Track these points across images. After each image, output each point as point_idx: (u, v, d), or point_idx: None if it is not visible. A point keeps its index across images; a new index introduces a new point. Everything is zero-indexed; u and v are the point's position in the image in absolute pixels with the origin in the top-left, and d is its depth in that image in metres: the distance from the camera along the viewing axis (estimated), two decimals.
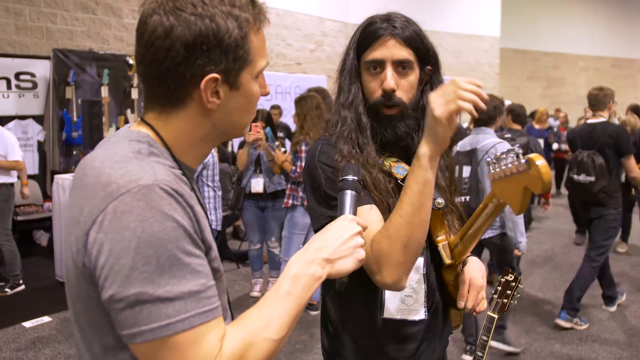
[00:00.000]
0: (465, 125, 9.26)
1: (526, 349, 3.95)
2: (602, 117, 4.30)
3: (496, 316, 1.80)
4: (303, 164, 4.11)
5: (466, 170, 3.71)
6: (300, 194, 4.29)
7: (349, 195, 1.16)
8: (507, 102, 10.04)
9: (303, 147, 4.15)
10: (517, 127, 5.21)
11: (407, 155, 1.46)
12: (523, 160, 1.03)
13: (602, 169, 4.14)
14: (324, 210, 1.37)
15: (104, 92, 6.95)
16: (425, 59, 1.41)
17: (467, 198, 3.65)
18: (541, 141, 8.32)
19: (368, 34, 1.40)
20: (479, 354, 1.79)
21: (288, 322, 0.94)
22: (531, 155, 1.04)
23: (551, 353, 3.91)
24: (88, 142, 6.77)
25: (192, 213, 0.88)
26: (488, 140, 3.69)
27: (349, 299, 1.45)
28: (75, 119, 6.68)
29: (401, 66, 1.37)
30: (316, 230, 1.41)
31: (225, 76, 0.92)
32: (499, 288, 1.80)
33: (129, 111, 7.30)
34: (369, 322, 1.44)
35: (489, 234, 3.72)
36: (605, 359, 3.83)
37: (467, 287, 1.42)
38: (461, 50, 13.56)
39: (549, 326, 4.36)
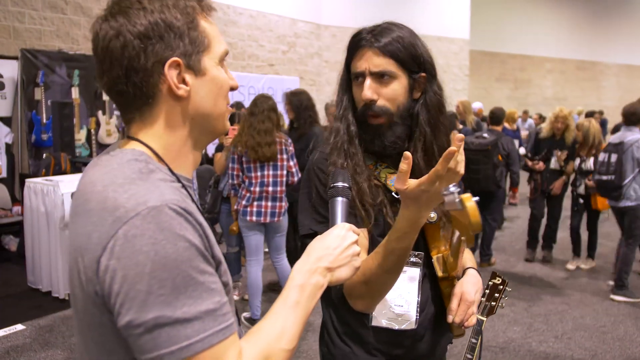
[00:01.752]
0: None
1: (504, 347, 4.02)
2: None
3: (485, 319, 1.83)
4: (232, 165, 4.16)
5: (613, 157, 5.02)
6: (244, 202, 4.19)
7: (339, 202, 1.17)
8: (477, 105, 10.15)
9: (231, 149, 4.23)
10: (498, 128, 6.10)
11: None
12: (457, 200, 1.05)
13: None
14: (309, 222, 1.42)
15: (75, 93, 6.80)
16: (413, 66, 1.41)
17: (613, 177, 4.99)
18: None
19: (352, 46, 1.44)
20: (468, 356, 1.81)
21: (298, 332, 0.96)
22: (463, 196, 1.06)
23: (529, 352, 3.99)
24: (59, 144, 6.64)
25: (202, 230, 0.88)
26: (633, 136, 4.99)
27: (340, 305, 1.47)
28: (44, 120, 6.52)
29: (381, 76, 1.38)
30: (301, 237, 1.46)
31: (186, 60, 0.94)
32: (487, 291, 1.83)
33: (100, 113, 7.15)
34: (358, 329, 1.47)
35: (626, 203, 4.96)
36: (580, 356, 3.93)
37: (457, 301, 1.43)
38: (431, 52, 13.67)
39: (525, 325, 4.45)
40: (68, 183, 4.85)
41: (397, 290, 1.37)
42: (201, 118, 0.99)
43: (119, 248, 0.81)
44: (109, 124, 7.23)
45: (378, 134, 1.41)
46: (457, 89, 14.07)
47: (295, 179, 4.25)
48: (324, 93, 11.61)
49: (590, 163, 5.66)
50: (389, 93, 1.39)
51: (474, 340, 1.83)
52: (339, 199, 1.17)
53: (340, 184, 1.19)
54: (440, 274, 1.47)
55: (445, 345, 1.61)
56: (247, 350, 0.89)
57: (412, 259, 1.44)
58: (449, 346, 1.65)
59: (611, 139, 5.25)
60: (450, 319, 1.43)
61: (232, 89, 1.03)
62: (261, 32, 10.49)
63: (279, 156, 4.16)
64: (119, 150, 0.96)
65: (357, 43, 1.41)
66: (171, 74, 0.92)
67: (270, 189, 4.15)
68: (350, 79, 1.46)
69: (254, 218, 4.13)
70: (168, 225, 0.82)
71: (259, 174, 4.13)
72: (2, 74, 6.43)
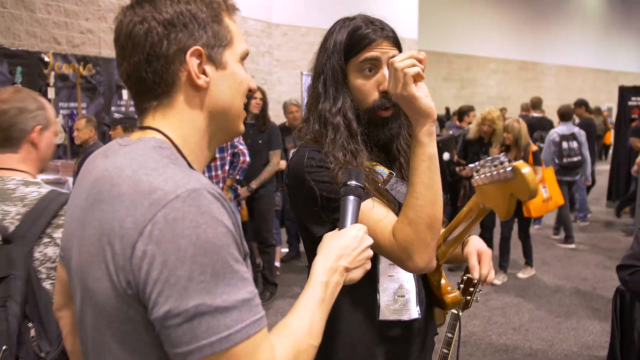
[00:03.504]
0: None
1: (465, 341, 4.10)
2: None
3: (460, 313, 1.84)
4: None
5: (573, 143, 6.42)
6: None
7: (351, 201, 1.15)
8: None
9: None
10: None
11: (386, 154, 1.46)
12: (509, 168, 1.03)
13: None
14: (321, 229, 1.33)
15: None
16: None
17: (580, 157, 6.44)
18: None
19: (359, 38, 1.39)
20: (445, 350, 1.82)
21: (322, 328, 0.96)
22: (516, 163, 1.04)
23: (489, 344, 4.07)
24: None
25: (235, 218, 0.85)
26: (575, 128, 6.62)
27: (341, 302, 1.41)
28: None
29: None
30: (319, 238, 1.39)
31: (208, 51, 0.93)
32: (462, 286, 1.83)
33: None
34: (362, 325, 1.43)
35: (578, 176, 6.53)
36: (538, 346, 4.04)
37: (475, 258, 1.45)
38: None
39: (484, 319, 4.55)
40: None
41: (397, 282, 1.36)
42: (219, 113, 0.97)
43: (158, 232, 0.77)
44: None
45: (387, 126, 1.40)
46: None
47: (247, 158, 4.29)
48: (275, 92, 11.52)
49: None
50: None
51: (450, 335, 1.83)
52: (351, 197, 1.16)
53: (353, 182, 1.17)
54: None
55: (433, 335, 1.61)
56: (278, 345, 0.87)
57: None
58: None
59: (559, 131, 6.52)
60: (475, 274, 1.44)
61: (250, 90, 1.02)
62: None
63: (224, 153, 4.20)
64: (138, 139, 0.92)
65: (366, 35, 1.38)
66: (192, 63, 0.91)
67: (223, 185, 4.22)
68: (343, 72, 1.41)
69: None
70: (208, 209, 0.79)
71: (206, 175, 4.08)
72: None
